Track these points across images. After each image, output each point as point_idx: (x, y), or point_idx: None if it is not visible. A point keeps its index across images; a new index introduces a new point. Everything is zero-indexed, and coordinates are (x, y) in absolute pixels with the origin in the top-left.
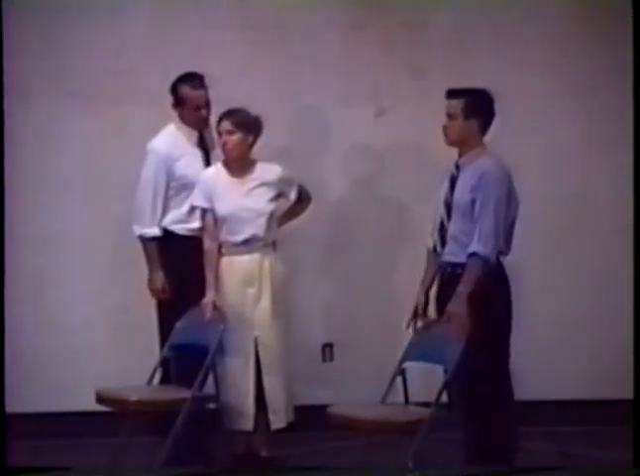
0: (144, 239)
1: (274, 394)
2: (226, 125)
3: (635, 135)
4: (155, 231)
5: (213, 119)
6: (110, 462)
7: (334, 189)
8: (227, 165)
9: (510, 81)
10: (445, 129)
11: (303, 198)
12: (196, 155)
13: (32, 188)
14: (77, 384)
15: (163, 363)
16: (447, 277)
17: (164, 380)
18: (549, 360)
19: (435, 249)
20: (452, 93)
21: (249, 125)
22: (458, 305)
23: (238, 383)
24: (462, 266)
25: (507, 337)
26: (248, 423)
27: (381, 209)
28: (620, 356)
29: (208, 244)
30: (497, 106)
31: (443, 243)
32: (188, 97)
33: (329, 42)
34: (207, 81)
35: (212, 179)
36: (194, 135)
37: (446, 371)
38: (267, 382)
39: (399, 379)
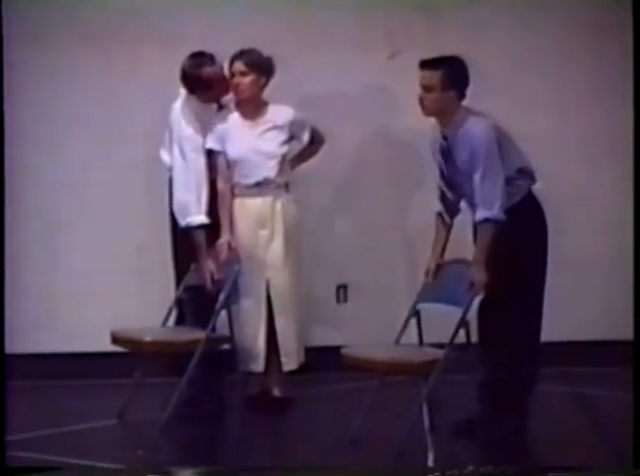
0: (190, 228)
1: (286, 336)
2: (239, 66)
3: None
4: (201, 219)
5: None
6: (124, 402)
7: (348, 132)
8: (239, 107)
9: (523, 21)
10: (421, 101)
11: (316, 141)
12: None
13: (46, 130)
14: (92, 325)
15: (178, 304)
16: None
17: (180, 321)
18: (563, 301)
19: (442, 217)
20: (426, 64)
21: (261, 66)
22: (478, 273)
23: (250, 324)
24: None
25: (543, 275)
26: (259, 365)
27: (395, 151)
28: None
29: (221, 185)
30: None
31: (448, 211)
32: (213, 77)
33: None
34: (220, 25)
35: (224, 122)
36: (213, 107)
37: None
38: (279, 324)
39: (413, 321)
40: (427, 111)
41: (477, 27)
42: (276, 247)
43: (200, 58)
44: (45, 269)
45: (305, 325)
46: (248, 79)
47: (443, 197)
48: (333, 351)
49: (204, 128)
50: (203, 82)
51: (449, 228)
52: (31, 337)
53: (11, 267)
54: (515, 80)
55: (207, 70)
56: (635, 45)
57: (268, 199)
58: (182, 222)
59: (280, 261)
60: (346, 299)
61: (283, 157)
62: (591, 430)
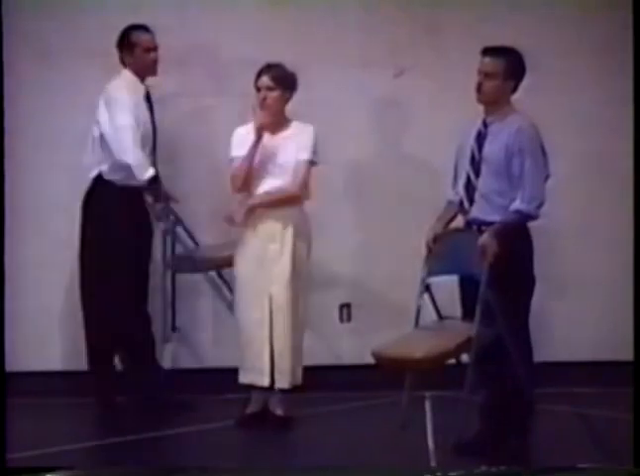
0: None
1: (281, 353)
2: (266, 80)
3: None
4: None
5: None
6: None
7: (354, 149)
8: (262, 126)
9: (526, 39)
10: (480, 86)
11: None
12: (143, 107)
13: (48, 145)
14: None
15: None
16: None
17: None
18: (563, 321)
19: (462, 204)
20: (491, 51)
21: (287, 81)
22: (489, 239)
23: (253, 339)
24: (492, 224)
25: (529, 296)
26: (264, 380)
27: (400, 168)
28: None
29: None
30: None
31: (471, 200)
32: (139, 41)
33: (347, 1)
34: (223, 42)
35: (245, 132)
36: (141, 89)
37: (463, 281)
38: (277, 341)
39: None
40: (484, 97)
41: (481, 44)
42: (284, 263)
43: (136, 25)
44: (45, 286)
45: (307, 345)
46: (274, 94)
47: (468, 185)
48: (335, 370)
49: (129, 96)
50: (129, 43)
51: (457, 212)
52: (31, 355)
53: (11, 284)
54: (517, 97)
55: (134, 34)
56: (635, 45)
57: (280, 213)
58: (142, 176)
59: (286, 278)
60: (349, 319)
61: (299, 171)
62: (592, 450)
